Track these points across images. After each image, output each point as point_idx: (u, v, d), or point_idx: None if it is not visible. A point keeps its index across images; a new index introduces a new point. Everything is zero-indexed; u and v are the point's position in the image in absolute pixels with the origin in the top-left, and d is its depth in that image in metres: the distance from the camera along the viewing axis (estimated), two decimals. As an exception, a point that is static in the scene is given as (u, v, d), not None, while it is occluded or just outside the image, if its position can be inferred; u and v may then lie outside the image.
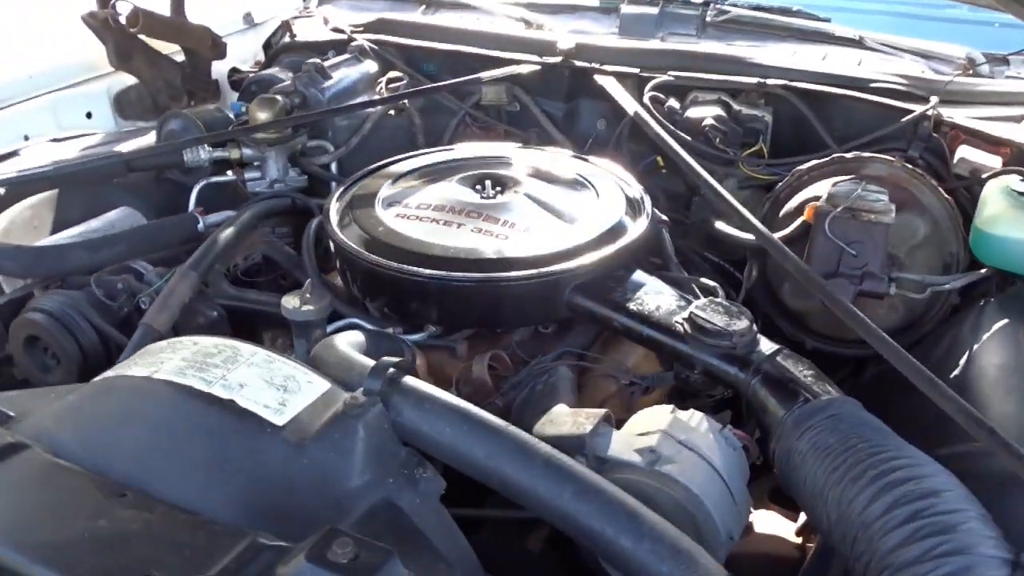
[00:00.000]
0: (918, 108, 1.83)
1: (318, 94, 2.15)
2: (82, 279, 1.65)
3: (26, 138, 2.12)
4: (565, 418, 1.27)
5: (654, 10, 2.35)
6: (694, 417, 1.28)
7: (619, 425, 1.39)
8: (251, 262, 1.77)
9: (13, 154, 2.04)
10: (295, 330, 1.54)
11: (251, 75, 2.45)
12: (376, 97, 2.20)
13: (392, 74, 2.33)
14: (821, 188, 1.71)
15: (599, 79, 2.08)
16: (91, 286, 1.59)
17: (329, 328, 1.60)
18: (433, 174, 1.86)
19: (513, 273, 1.51)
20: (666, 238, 1.77)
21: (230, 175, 2.08)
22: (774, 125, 2.01)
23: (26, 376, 1.62)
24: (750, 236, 1.75)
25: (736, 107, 1.98)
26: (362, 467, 1.08)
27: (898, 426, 1.14)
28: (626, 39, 2.32)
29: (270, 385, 1.14)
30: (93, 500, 1.00)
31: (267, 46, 2.82)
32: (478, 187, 1.77)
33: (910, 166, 1.72)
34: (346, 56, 2.34)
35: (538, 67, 2.17)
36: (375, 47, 2.37)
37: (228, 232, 1.70)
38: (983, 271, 1.59)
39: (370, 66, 2.34)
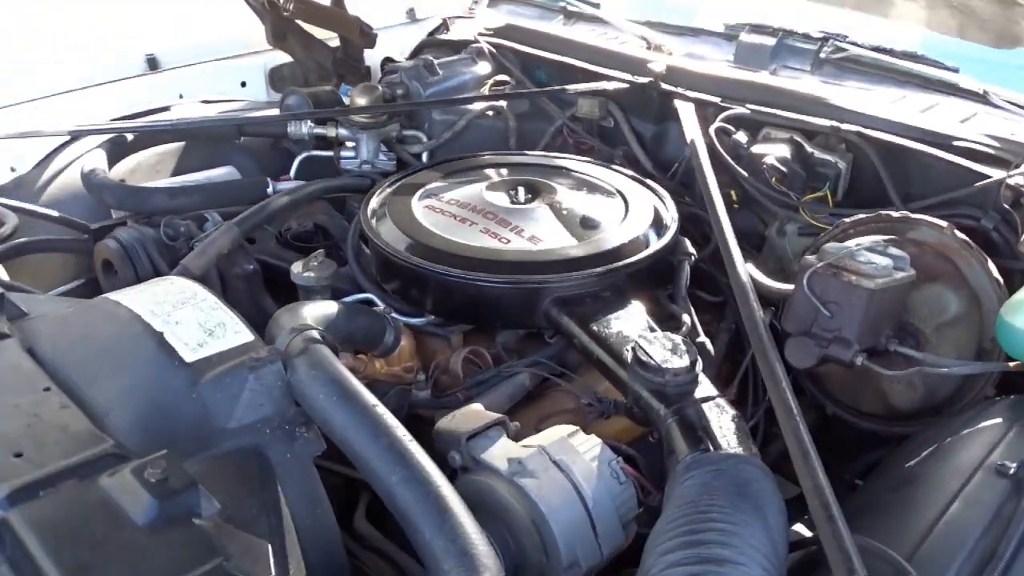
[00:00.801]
0: (998, 174, 1.63)
1: (419, 88, 2.30)
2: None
3: (180, 97, 2.46)
4: (466, 416, 1.32)
5: (771, 41, 2.26)
6: (587, 443, 1.27)
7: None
8: (303, 228, 1.96)
9: (165, 108, 2.38)
10: (300, 292, 1.70)
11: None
12: (475, 97, 2.31)
13: (499, 77, 2.43)
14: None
15: (679, 104, 2.05)
16: (161, 226, 1.85)
17: (347, 300, 1.74)
18: (483, 174, 1.94)
19: (489, 275, 1.57)
20: (684, 271, 1.72)
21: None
22: (857, 174, 1.87)
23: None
24: (774, 283, 1.67)
25: (809, 149, 1.87)
26: (241, 413, 1.20)
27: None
28: (724, 67, 2.25)
29: (201, 328, 1.30)
30: (23, 386, 1.20)
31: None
32: (512, 192, 1.83)
33: (963, 236, 1.55)
34: (463, 56, 2.48)
35: (626, 85, 2.17)
36: (494, 50, 2.48)
37: (283, 199, 1.89)
38: (1010, 363, 1.41)
39: (483, 68, 2.46)
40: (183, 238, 1.85)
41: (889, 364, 1.45)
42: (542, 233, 1.69)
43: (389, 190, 1.90)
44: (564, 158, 2.08)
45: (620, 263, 1.61)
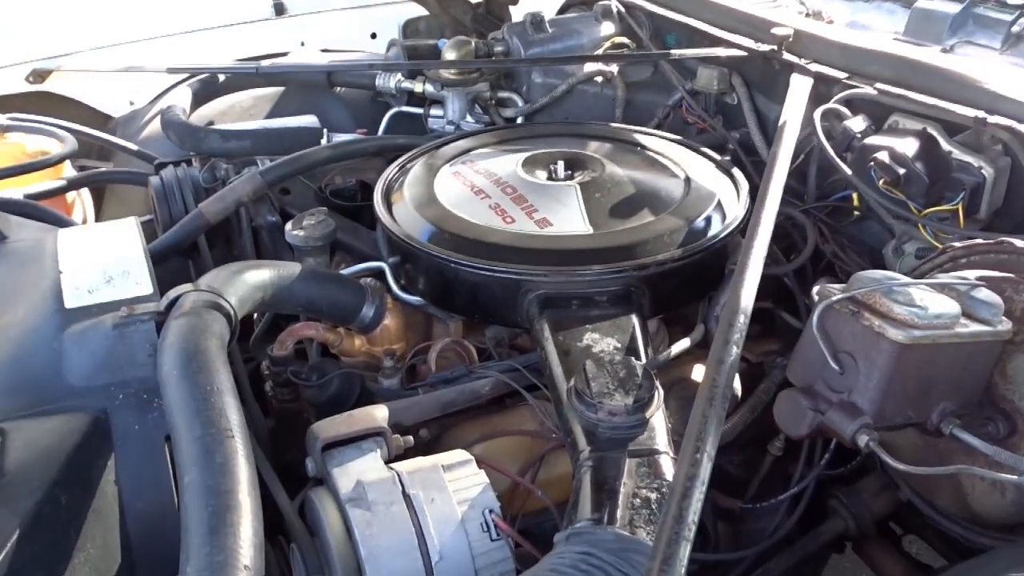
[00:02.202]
0: None
1: (520, 46, 2.06)
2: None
3: (302, 44, 2.42)
4: (348, 420, 1.10)
5: (954, 7, 1.73)
6: (467, 479, 1.01)
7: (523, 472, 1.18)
8: (346, 184, 1.82)
9: (282, 55, 2.35)
10: (295, 253, 1.56)
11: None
12: (568, 59, 2.02)
13: (619, 39, 2.11)
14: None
15: (795, 78, 1.63)
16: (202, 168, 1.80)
17: (355, 268, 1.58)
18: (539, 143, 1.68)
19: (467, 257, 1.32)
20: (730, 284, 1.35)
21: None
22: (1018, 187, 1.37)
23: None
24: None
25: (947, 147, 1.39)
26: (92, 371, 1.08)
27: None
28: (872, 38, 1.75)
29: (103, 273, 1.20)
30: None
31: None
32: (552, 166, 1.55)
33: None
34: (585, 14, 2.19)
35: (743, 53, 1.78)
36: (623, 9, 2.17)
37: (322, 152, 1.76)
38: None
39: (606, 29, 2.15)
40: (220, 181, 1.78)
41: (948, 452, 1.02)
42: (557, 216, 1.41)
43: (433, 153, 1.70)
44: (645, 132, 1.75)
45: (628, 263, 1.29)
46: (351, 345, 1.47)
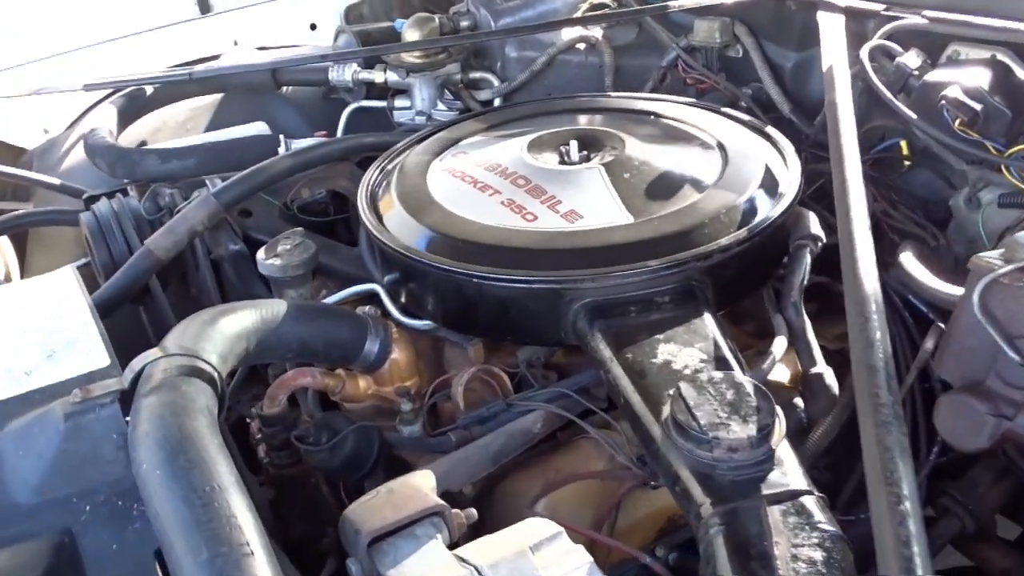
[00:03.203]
0: None
1: (489, 17, 1.82)
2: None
3: (235, 43, 2.14)
4: (392, 499, 0.86)
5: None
6: (564, 564, 0.78)
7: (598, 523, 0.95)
8: (316, 197, 1.56)
9: (214, 58, 2.07)
10: (272, 286, 1.30)
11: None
12: (551, 25, 1.79)
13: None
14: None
15: (822, 17, 1.42)
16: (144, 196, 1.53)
17: (342, 294, 1.33)
18: (540, 125, 1.44)
19: (491, 268, 1.09)
20: (802, 264, 1.14)
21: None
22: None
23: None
24: (946, 286, 1.07)
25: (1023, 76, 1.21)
26: (45, 481, 0.82)
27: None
28: None
29: (41, 345, 0.93)
30: None
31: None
32: (563, 148, 1.32)
33: None
34: (554, -25, 1.96)
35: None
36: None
37: (281, 162, 1.50)
38: None
39: (587, -10, 1.92)
40: (166, 210, 1.51)
41: None
42: (586, 206, 1.18)
43: (415, 148, 1.46)
44: (653, 99, 1.53)
45: (689, 253, 1.07)
46: (355, 389, 1.23)
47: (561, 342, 1.11)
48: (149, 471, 0.77)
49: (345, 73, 1.82)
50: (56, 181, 1.71)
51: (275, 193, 1.56)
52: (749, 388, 0.85)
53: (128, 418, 0.84)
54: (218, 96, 1.93)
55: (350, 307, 1.35)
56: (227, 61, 2.04)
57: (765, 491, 0.78)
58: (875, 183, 1.42)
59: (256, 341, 1.06)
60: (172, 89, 1.87)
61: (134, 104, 1.84)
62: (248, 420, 1.36)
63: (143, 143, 1.80)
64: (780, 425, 0.82)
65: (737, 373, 0.87)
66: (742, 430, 0.80)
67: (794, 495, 0.77)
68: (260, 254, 1.27)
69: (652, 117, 1.45)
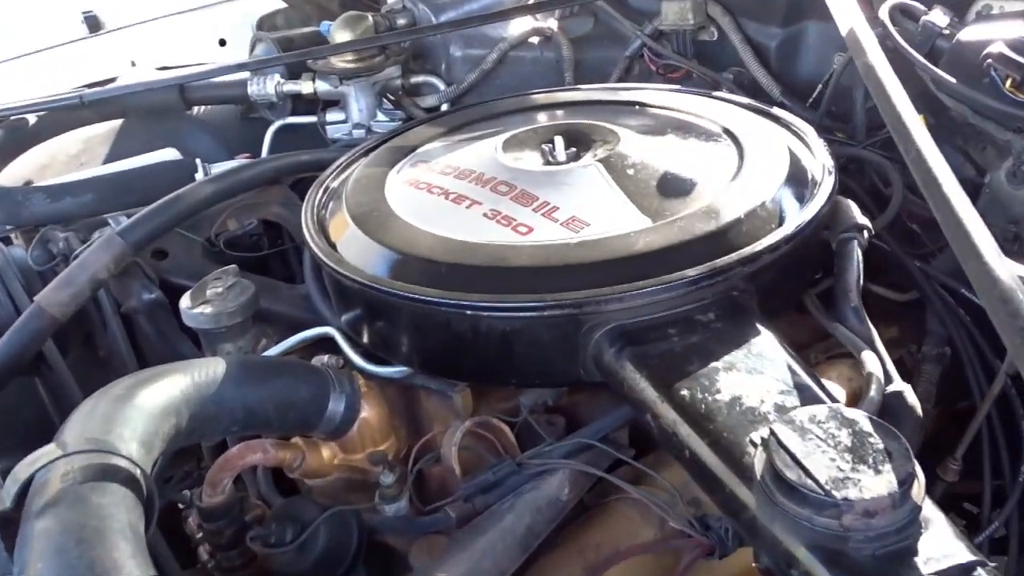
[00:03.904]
0: None
1: (429, 12, 1.60)
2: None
3: (133, 64, 1.86)
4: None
5: None
6: None
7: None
8: (247, 229, 1.30)
9: (109, 81, 1.79)
10: (203, 341, 1.04)
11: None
12: (499, 15, 1.58)
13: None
14: None
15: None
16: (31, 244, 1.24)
17: (289, 342, 1.08)
18: (509, 124, 1.22)
19: (484, 296, 0.86)
20: (854, 259, 0.95)
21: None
22: None
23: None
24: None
25: (1070, 25, 1.06)
26: None
27: None
28: None
29: None
30: None
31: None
32: (546, 146, 1.10)
33: None
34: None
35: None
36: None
37: (200, 189, 1.24)
38: None
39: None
40: (60, 258, 1.23)
41: None
42: (590, 211, 0.96)
43: (363, 161, 1.22)
44: (636, 88, 1.34)
45: (733, 257, 0.86)
46: (319, 461, 0.98)
47: (579, 380, 0.89)
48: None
49: (267, 86, 1.57)
50: (-80, 234, 1.40)
51: (195, 228, 1.29)
52: (869, 426, 0.64)
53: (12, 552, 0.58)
54: (117, 123, 1.65)
55: (302, 358, 1.11)
56: (125, 83, 1.76)
57: (925, 570, 0.57)
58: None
59: (189, 415, 0.81)
60: (61, 116, 1.59)
61: (15, 136, 1.56)
62: (180, 507, 1.10)
63: (28, 183, 1.51)
64: (920, 473, 0.62)
65: (843, 407, 0.66)
66: (878, 485, 0.59)
67: (966, 572, 0.57)
68: (184, 301, 1.01)
69: (638, 107, 1.25)
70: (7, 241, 1.35)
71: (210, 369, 0.85)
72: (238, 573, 0.96)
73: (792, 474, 0.61)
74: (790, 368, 0.77)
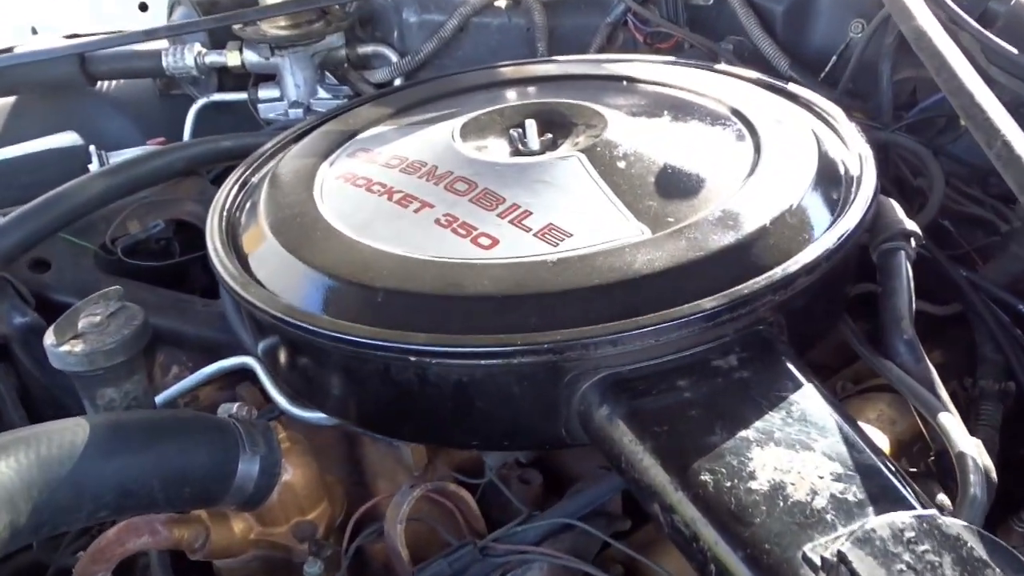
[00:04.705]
0: None
1: (378, -30, 1.38)
2: None
3: (34, 31, 1.61)
4: None
5: None
6: None
7: None
8: (153, 232, 1.07)
9: (7, 50, 1.53)
10: (78, 387, 0.82)
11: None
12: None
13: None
14: None
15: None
16: None
17: (196, 377, 0.87)
18: (470, 104, 1.00)
19: (440, 338, 0.65)
20: (902, 273, 0.75)
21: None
22: None
23: None
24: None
25: None
26: None
27: None
28: None
29: None
30: None
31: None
32: (516, 132, 0.89)
33: None
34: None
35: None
36: None
37: (90, 184, 1.01)
38: None
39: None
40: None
41: None
42: (570, 217, 0.75)
43: (291, 150, 1.00)
44: (623, 60, 1.12)
45: (762, 280, 0.66)
46: (228, 537, 0.77)
47: (561, 443, 0.68)
48: None
49: (185, 57, 1.33)
50: None
51: (86, 231, 1.06)
52: (982, 549, 0.44)
53: None
54: (9, 100, 1.41)
55: (217, 393, 0.90)
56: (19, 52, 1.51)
57: None
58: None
59: (31, 506, 0.59)
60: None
61: None
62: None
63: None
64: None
65: (938, 515, 0.46)
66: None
67: None
68: (48, 338, 0.78)
69: (626, 83, 1.03)
70: None
71: (65, 438, 0.63)
72: None
73: (882, 631, 0.41)
74: (846, 439, 0.57)
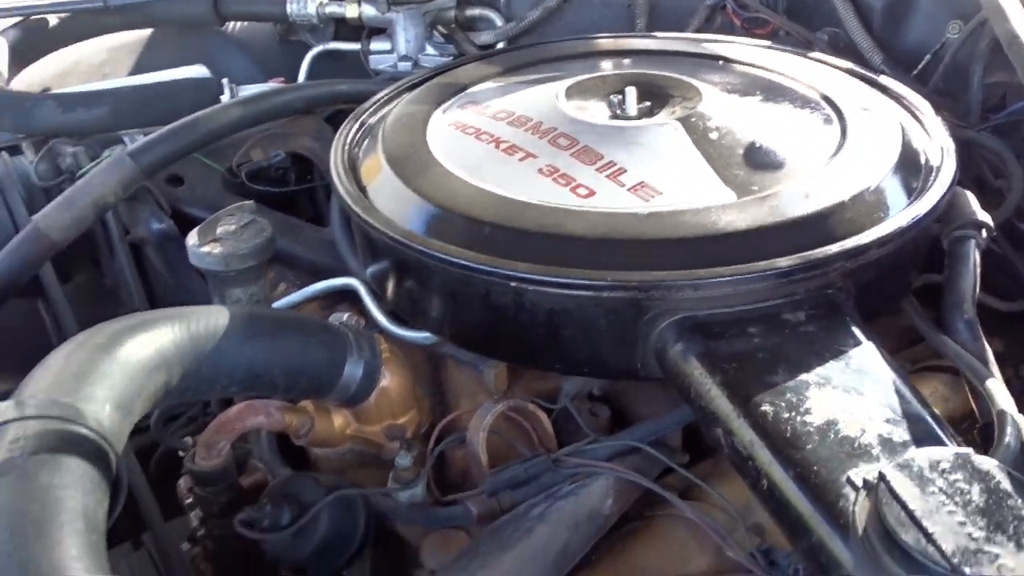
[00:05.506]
0: None
1: (493, -64, 1.45)
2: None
3: None
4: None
5: None
6: None
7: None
8: (273, 161, 1.18)
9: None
10: (210, 284, 0.93)
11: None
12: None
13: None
14: None
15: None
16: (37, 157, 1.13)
17: (307, 291, 0.97)
18: (571, 69, 1.08)
19: (539, 268, 0.73)
20: (970, 260, 0.81)
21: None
22: None
23: None
24: None
25: None
26: None
27: None
28: None
29: None
30: None
31: None
32: (615, 97, 0.96)
33: None
34: None
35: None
36: None
37: (225, 111, 1.12)
38: None
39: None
40: (67, 175, 1.12)
41: None
42: (662, 177, 0.82)
43: (406, 96, 1.09)
44: (720, 41, 1.18)
45: (837, 247, 0.73)
46: (329, 430, 0.87)
47: (635, 374, 0.76)
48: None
49: (307, 6, 1.43)
50: (-76, 135, 1.30)
51: (216, 155, 1.18)
52: (1008, 483, 0.51)
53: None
54: (146, 33, 1.53)
55: (319, 312, 1.00)
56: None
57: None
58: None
59: (182, 371, 0.70)
60: (84, 21, 1.47)
61: (32, 39, 1.44)
62: (180, 454, 1.00)
63: (46, 90, 1.40)
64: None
65: (974, 454, 0.53)
66: (1020, 564, 0.47)
67: None
68: (191, 238, 0.90)
69: (722, 62, 1.10)
70: (16, 151, 1.24)
71: (211, 320, 0.73)
72: (231, 544, 0.87)
73: (908, 536, 0.49)
74: (898, 391, 0.64)
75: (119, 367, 0.63)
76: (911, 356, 0.92)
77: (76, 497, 0.49)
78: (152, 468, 1.07)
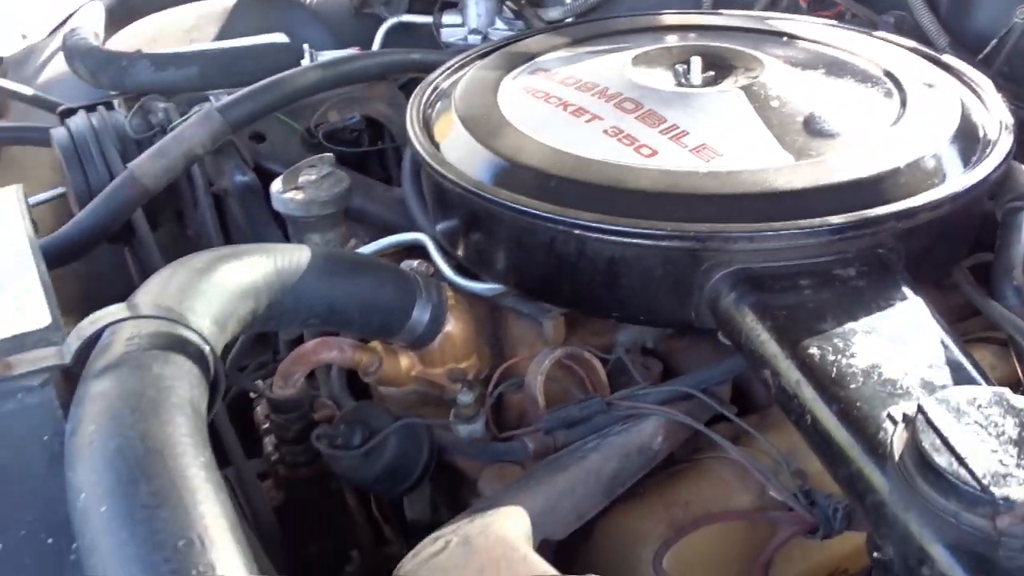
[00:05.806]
0: None
1: (565, -86, 1.49)
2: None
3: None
4: (464, 560, 0.56)
5: None
6: None
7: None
8: (348, 122, 1.24)
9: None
10: (290, 230, 0.99)
11: None
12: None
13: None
14: None
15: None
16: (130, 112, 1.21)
17: (379, 244, 1.03)
18: (638, 42, 1.12)
19: (597, 216, 0.77)
20: (1022, 231, 0.83)
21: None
22: None
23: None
24: None
25: None
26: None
27: None
28: None
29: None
30: None
31: None
32: (681, 67, 1.00)
33: None
34: None
35: None
36: None
37: (306, 74, 1.18)
38: None
39: None
40: (159, 129, 1.20)
41: None
42: (723, 140, 0.86)
43: (478, 64, 1.14)
44: (785, 18, 1.21)
45: (889, 209, 0.76)
46: (396, 369, 0.92)
47: (689, 324, 0.80)
48: (90, 505, 0.47)
49: (383, -23, 1.50)
50: (29, 91, 1.40)
51: (296, 115, 1.24)
52: (1038, 412, 0.54)
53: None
54: (230, 3, 1.61)
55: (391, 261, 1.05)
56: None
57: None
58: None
59: (268, 301, 0.76)
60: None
61: (128, 4, 1.52)
62: (252, 396, 1.07)
63: (138, 51, 1.48)
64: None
65: (1010, 392, 0.56)
66: (1042, 487, 0.50)
67: None
68: (276, 185, 0.96)
69: (786, 39, 1.12)
70: (108, 106, 1.32)
71: (296, 256, 0.79)
72: (301, 470, 0.93)
73: (942, 460, 0.52)
74: (942, 342, 0.67)
75: (215, 289, 0.69)
76: (960, 331, 0.94)
77: (184, 388, 0.55)
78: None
